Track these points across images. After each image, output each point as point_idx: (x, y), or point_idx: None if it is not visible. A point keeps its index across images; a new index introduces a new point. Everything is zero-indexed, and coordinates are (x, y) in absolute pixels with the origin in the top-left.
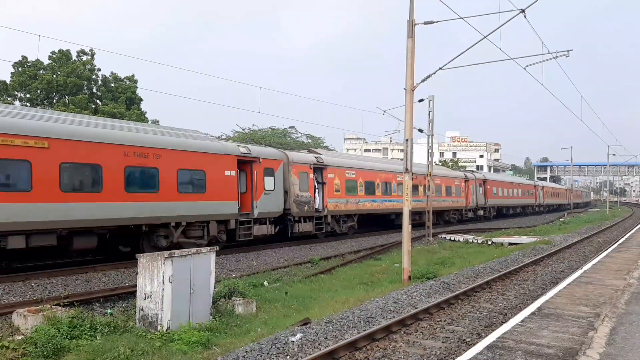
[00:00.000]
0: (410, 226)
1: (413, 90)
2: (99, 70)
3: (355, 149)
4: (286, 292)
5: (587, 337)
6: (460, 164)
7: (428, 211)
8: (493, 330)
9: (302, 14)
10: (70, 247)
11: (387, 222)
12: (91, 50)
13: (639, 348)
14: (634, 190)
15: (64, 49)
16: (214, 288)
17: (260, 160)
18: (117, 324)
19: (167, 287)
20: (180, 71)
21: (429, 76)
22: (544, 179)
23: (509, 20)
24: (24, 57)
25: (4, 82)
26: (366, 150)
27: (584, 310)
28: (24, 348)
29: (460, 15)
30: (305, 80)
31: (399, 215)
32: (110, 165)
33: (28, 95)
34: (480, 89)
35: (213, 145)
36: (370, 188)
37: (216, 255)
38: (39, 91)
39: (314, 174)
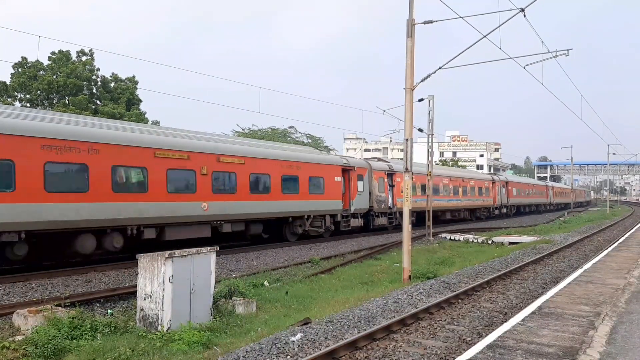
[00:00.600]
0: (410, 226)
1: (413, 90)
2: (99, 70)
3: (355, 149)
4: (286, 292)
5: (588, 336)
6: (460, 163)
7: (428, 211)
8: (493, 330)
9: (301, 14)
10: (248, 233)
11: (434, 217)
12: (90, 50)
13: (639, 347)
14: (634, 189)
15: (64, 50)
16: (215, 288)
17: (355, 168)
18: (118, 324)
19: (167, 287)
20: (181, 72)
21: (428, 76)
22: (544, 178)
23: (508, 20)
24: (23, 58)
25: (4, 83)
26: (366, 150)
27: (584, 310)
28: (24, 348)
29: (460, 15)
30: (305, 81)
31: (444, 211)
32: (275, 176)
33: (28, 96)
34: (480, 89)
35: (328, 158)
36: (426, 190)
37: (216, 255)
38: (39, 92)
39: (387, 179)
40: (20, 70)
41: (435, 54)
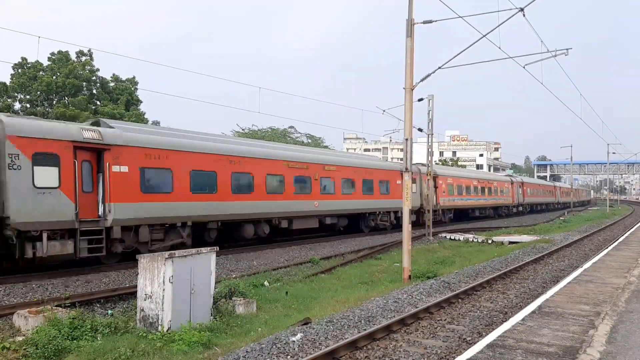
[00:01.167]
0: (410, 225)
1: (412, 90)
2: (98, 71)
3: (355, 149)
4: (287, 292)
5: (588, 335)
6: (459, 163)
7: (428, 210)
8: (493, 329)
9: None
10: (338, 225)
11: (465, 213)
12: (89, 50)
13: (639, 346)
14: (634, 189)
15: (63, 50)
16: (215, 288)
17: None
18: (118, 324)
19: (167, 287)
20: (181, 72)
21: (428, 75)
22: (544, 177)
23: (508, 19)
24: (23, 59)
25: (4, 83)
26: (366, 150)
27: (584, 309)
28: (24, 349)
29: (459, 15)
30: (305, 81)
31: (473, 209)
32: (358, 180)
33: (28, 97)
34: (479, 88)
35: (392, 165)
36: (460, 190)
37: (216, 256)
38: (38, 92)
39: (432, 181)
40: (20, 71)
41: (435, 54)
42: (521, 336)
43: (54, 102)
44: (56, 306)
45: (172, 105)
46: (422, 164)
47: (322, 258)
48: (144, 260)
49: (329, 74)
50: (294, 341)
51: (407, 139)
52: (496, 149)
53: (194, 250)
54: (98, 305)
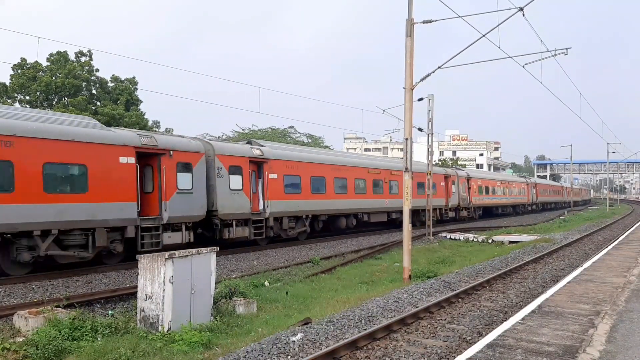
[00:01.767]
0: (410, 225)
1: (412, 89)
2: (97, 71)
3: (355, 149)
4: (287, 292)
5: (587, 334)
6: (459, 162)
7: (428, 210)
8: (493, 329)
9: (300, 16)
10: (400, 218)
11: (489, 211)
12: (89, 51)
13: (639, 345)
14: (633, 188)
15: (62, 51)
16: (215, 288)
17: (451, 176)
18: (118, 325)
19: (167, 287)
20: (180, 73)
21: (428, 75)
22: (544, 177)
23: (507, 19)
24: (23, 59)
25: (4, 84)
26: (366, 150)
27: (584, 308)
28: (25, 350)
29: (459, 14)
30: (305, 81)
31: (497, 207)
32: (414, 183)
33: (27, 98)
34: (479, 88)
35: (437, 170)
36: (487, 191)
37: (217, 256)
38: (38, 93)
39: (466, 183)
40: (19, 71)
41: (435, 53)
42: (521, 335)
43: (54, 102)
44: (56, 307)
45: (172, 105)
46: (460, 168)
47: (323, 258)
48: (144, 261)
49: (329, 74)
50: (294, 341)
51: (407, 139)
52: (496, 149)
53: (194, 251)
54: (98, 306)
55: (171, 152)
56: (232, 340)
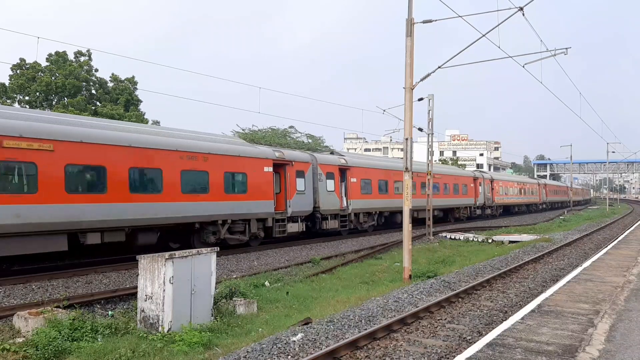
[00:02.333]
0: (410, 225)
1: (412, 89)
2: (97, 71)
3: (355, 148)
4: (287, 292)
5: (587, 334)
6: (459, 162)
7: (428, 210)
8: (493, 328)
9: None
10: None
11: (507, 209)
12: (88, 51)
13: (638, 344)
14: (633, 187)
15: (61, 51)
16: (215, 289)
17: (478, 178)
18: (118, 325)
19: (168, 288)
20: (180, 72)
21: (428, 75)
22: (544, 176)
23: (507, 19)
24: (22, 60)
25: (3, 84)
26: (366, 150)
27: (583, 308)
28: (25, 350)
29: (459, 14)
30: (305, 81)
31: (514, 205)
32: (449, 183)
33: (27, 98)
34: (479, 88)
35: (466, 172)
36: (507, 191)
37: (217, 256)
38: (37, 93)
39: (490, 184)
40: (18, 72)
41: (435, 53)
42: (521, 335)
43: (53, 102)
44: (56, 307)
45: (172, 105)
46: (483, 171)
47: (323, 258)
48: (144, 261)
49: (329, 74)
50: (294, 341)
51: (407, 139)
52: (496, 149)
53: (194, 251)
54: (98, 306)
55: (293, 162)
56: (232, 341)
